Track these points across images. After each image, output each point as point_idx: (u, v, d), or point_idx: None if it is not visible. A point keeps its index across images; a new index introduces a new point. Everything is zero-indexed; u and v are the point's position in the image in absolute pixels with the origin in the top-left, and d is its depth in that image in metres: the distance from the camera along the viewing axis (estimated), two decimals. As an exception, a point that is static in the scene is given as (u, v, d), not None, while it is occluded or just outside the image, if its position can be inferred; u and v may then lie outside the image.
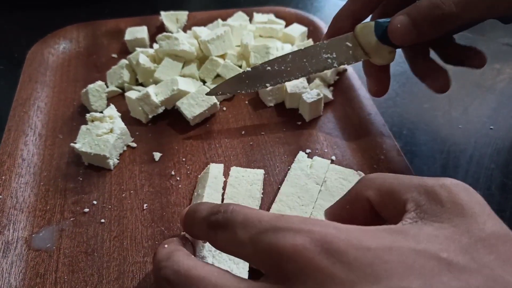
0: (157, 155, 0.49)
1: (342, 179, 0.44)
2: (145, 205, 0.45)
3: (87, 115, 0.49)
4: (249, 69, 0.47)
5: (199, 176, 0.47)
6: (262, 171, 0.46)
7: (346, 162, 0.49)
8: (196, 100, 0.51)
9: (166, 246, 0.31)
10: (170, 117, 0.54)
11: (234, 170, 0.45)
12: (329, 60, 0.45)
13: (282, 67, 0.46)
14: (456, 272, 0.22)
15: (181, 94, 0.52)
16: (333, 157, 0.49)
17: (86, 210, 0.44)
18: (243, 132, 0.52)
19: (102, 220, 0.44)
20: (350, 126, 0.53)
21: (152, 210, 0.45)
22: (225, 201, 0.43)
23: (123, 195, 0.46)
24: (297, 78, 0.47)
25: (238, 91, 0.48)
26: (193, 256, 0.31)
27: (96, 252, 0.41)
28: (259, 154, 0.50)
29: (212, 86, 0.55)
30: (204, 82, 0.57)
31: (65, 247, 0.42)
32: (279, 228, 0.26)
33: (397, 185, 0.28)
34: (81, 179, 0.47)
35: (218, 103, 0.52)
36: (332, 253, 0.23)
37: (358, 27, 0.44)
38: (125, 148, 0.50)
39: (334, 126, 0.53)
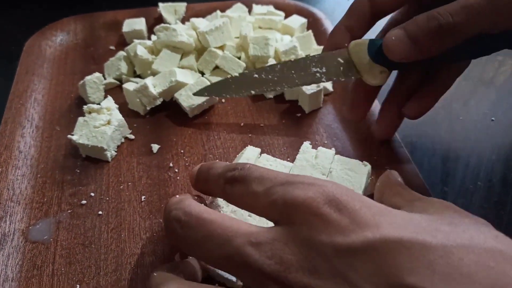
0: (155, 147, 0.49)
1: (348, 170, 0.43)
2: (143, 197, 0.44)
3: (84, 106, 0.49)
4: (236, 74, 0.47)
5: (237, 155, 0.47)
6: (291, 164, 0.44)
7: (347, 154, 0.48)
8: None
9: (177, 196, 0.33)
10: (169, 109, 0.53)
11: (264, 158, 0.45)
12: (318, 75, 0.44)
13: (270, 76, 0.45)
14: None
15: (179, 85, 0.51)
16: (333, 149, 0.49)
17: (84, 202, 0.44)
18: (242, 124, 0.52)
19: (100, 212, 0.43)
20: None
21: (150, 202, 0.44)
22: None
23: (121, 187, 0.45)
24: (283, 89, 0.47)
25: (224, 95, 0.48)
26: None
27: (94, 244, 0.41)
28: (258, 146, 0.49)
29: (211, 78, 0.55)
30: (202, 73, 0.56)
31: (62, 239, 0.41)
32: (292, 183, 0.28)
33: None
34: (78, 171, 0.47)
35: (216, 94, 0.52)
36: (335, 204, 0.26)
37: (352, 44, 0.42)
38: (123, 140, 0.50)
39: (334, 118, 0.52)
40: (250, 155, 0.44)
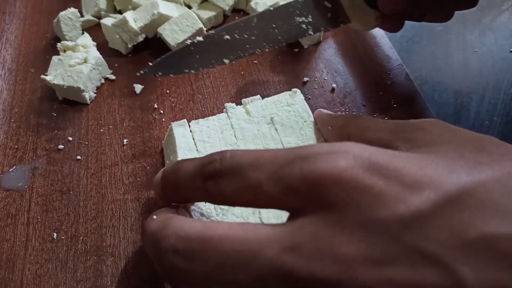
0: (138, 88, 0.45)
1: (286, 107, 0.39)
2: (125, 140, 0.41)
3: (58, 44, 0.44)
4: (200, 38, 0.35)
5: (162, 142, 0.41)
6: (224, 115, 0.39)
7: (349, 90, 0.44)
8: (179, 26, 0.46)
9: (154, 217, 0.26)
10: (152, 46, 0.48)
11: (194, 125, 0.38)
12: (304, 26, 0.37)
13: (245, 36, 0.36)
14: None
15: (162, 19, 0.46)
16: (334, 85, 0.44)
17: (61, 147, 0.40)
18: (233, 62, 0.47)
19: (78, 157, 0.40)
20: (353, 51, 0.47)
21: (133, 145, 0.40)
22: None
23: (101, 130, 0.42)
24: (263, 50, 0.38)
25: (186, 71, 0.36)
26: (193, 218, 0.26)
27: (72, 190, 0.37)
28: (251, 85, 0.45)
29: (200, 12, 0.49)
30: (189, 7, 0.51)
31: (38, 186, 0.38)
32: (306, 156, 0.22)
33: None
34: (55, 114, 0.43)
35: (204, 28, 0.47)
36: (377, 169, 0.21)
37: None
38: (102, 80, 0.45)
39: (335, 52, 0.47)
40: (182, 131, 0.37)
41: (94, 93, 0.44)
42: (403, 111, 0.41)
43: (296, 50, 0.48)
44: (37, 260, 0.34)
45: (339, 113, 0.42)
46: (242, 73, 0.46)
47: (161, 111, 0.43)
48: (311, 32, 0.37)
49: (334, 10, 0.36)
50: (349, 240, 0.20)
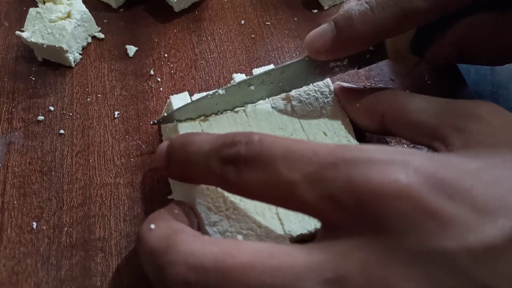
0: (131, 50, 0.38)
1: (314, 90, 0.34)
2: (116, 112, 0.35)
3: (36, -7, 0.37)
4: (222, 91, 0.31)
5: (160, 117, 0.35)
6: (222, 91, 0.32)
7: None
8: (180, -23, 0.39)
9: (152, 226, 0.22)
10: (148, 0, 0.42)
11: (198, 96, 0.32)
12: (336, 69, 0.32)
13: (271, 83, 0.32)
14: None
15: (160, -33, 0.39)
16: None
17: (41, 118, 0.35)
18: (242, 22, 0.41)
19: (62, 131, 0.34)
20: (380, 15, 0.41)
21: (125, 118, 0.35)
22: None
23: (88, 99, 0.36)
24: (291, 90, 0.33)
25: (204, 115, 0.31)
26: (202, 234, 0.22)
27: (54, 171, 0.32)
28: (262, 50, 0.39)
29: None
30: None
31: (14, 165, 0.32)
32: (354, 161, 0.18)
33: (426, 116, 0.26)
34: (33, 78, 0.37)
35: (209, -19, 0.40)
36: (442, 188, 0.17)
37: None
38: (89, 39, 0.39)
39: (360, 16, 0.41)
40: (180, 103, 0.31)
41: (79, 54, 0.38)
42: (438, 90, 0.36)
43: (315, 11, 0.41)
44: (14, 255, 0.29)
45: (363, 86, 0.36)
46: (253, 36, 0.40)
47: (158, 79, 0.37)
48: (341, 72, 0.33)
49: (375, 52, 0.32)
50: (408, 274, 0.16)
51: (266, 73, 0.31)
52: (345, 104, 0.31)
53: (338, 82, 0.33)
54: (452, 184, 0.18)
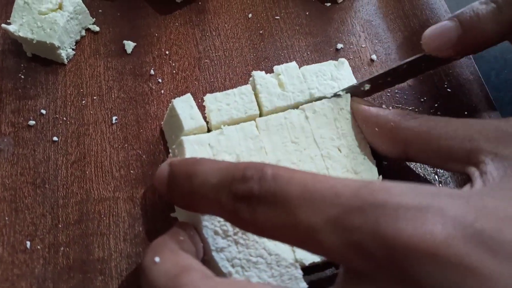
0: (129, 45, 0.35)
1: (330, 81, 0.32)
2: (114, 117, 0.32)
3: (23, -19, 0.34)
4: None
5: (162, 122, 0.33)
6: (248, 88, 0.31)
7: (391, 63, 0.36)
8: (183, -36, 0.35)
9: (157, 259, 0.21)
10: (147, -12, 0.38)
11: (210, 100, 0.30)
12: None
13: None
14: None
15: (161, -47, 0.35)
16: (374, 56, 0.36)
17: (32, 123, 0.32)
18: (250, 15, 0.37)
19: (55, 138, 0.31)
20: (398, 10, 0.38)
21: (124, 124, 0.32)
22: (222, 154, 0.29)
23: (83, 102, 0.33)
24: None
25: None
26: (213, 274, 0.21)
27: (48, 183, 0.30)
28: (272, 48, 0.36)
29: None
30: None
31: (4, 176, 0.30)
32: (383, 206, 0.17)
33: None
34: (22, 76, 0.34)
35: (215, -31, 0.36)
36: (482, 242, 0.16)
37: None
38: (83, 33, 0.36)
39: (376, 11, 0.38)
40: (188, 109, 0.29)
41: (73, 49, 0.35)
42: (459, 98, 0.34)
43: (328, 4, 0.38)
44: (7, 277, 0.27)
45: (379, 93, 0.34)
46: (261, 32, 0.37)
47: (159, 80, 0.34)
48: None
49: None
50: None
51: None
52: (363, 127, 0.29)
53: (354, 98, 0.30)
54: (494, 236, 0.16)
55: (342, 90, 0.30)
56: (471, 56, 0.35)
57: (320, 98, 0.31)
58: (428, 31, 0.29)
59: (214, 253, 0.25)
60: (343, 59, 0.32)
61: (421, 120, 0.26)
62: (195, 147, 0.28)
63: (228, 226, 0.26)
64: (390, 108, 0.29)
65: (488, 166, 0.22)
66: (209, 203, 0.22)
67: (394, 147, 0.27)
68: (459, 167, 0.24)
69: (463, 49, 0.28)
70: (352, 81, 0.32)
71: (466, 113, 0.33)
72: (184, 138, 0.28)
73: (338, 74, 0.32)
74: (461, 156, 0.24)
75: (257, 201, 0.19)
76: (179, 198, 0.24)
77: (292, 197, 0.19)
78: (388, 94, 0.34)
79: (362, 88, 0.31)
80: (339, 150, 0.29)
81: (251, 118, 0.30)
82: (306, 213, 0.18)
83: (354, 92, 0.31)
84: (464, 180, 0.30)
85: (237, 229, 0.26)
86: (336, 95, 0.30)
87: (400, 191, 0.18)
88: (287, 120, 0.30)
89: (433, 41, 0.28)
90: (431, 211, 0.17)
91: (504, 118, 0.25)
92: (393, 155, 0.28)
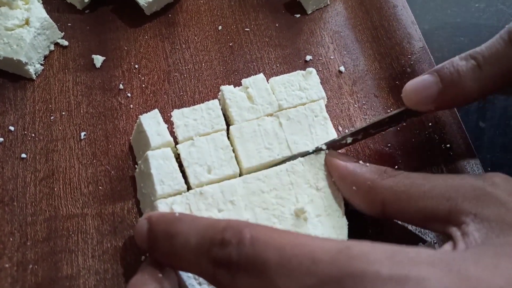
0: (98, 60, 0.35)
1: (298, 92, 0.32)
2: (82, 133, 0.33)
3: (-11, -4, 0.34)
4: None
5: (130, 138, 0.33)
6: (215, 103, 0.31)
7: (359, 74, 0.36)
8: (151, -23, 0.35)
9: None
10: (117, 1, 0.38)
11: (177, 116, 0.31)
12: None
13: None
14: None
15: (128, -33, 0.35)
16: (342, 68, 0.36)
17: (0, 139, 0.32)
18: (220, 27, 0.38)
19: (23, 155, 0.32)
20: (366, 21, 0.39)
21: (92, 140, 0.33)
22: (192, 173, 0.29)
23: (52, 118, 0.33)
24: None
25: None
26: None
27: (17, 201, 0.30)
28: (241, 61, 0.36)
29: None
30: None
31: (-28, 194, 0.30)
32: (360, 275, 0.17)
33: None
34: (-10, 92, 0.34)
35: (184, -18, 0.36)
36: None
37: None
38: (52, 47, 0.36)
39: (345, 22, 0.39)
40: (154, 126, 0.30)
41: (41, 64, 0.35)
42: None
43: (298, 16, 0.39)
44: (-25, 296, 0.27)
45: (346, 104, 0.35)
46: (231, 44, 0.37)
47: (128, 94, 0.34)
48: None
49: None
50: None
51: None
52: (340, 184, 0.28)
53: (330, 152, 0.29)
54: None
55: (325, 144, 0.30)
56: (429, 52, 0.36)
57: (303, 154, 0.30)
58: (409, 85, 0.28)
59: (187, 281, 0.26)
60: (311, 69, 0.33)
61: (399, 179, 0.26)
62: (160, 161, 0.29)
63: None
64: (368, 164, 0.27)
65: (469, 227, 0.22)
66: (190, 265, 0.22)
67: (372, 207, 0.26)
68: (439, 227, 0.24)
69: (443, 104, 0.28)
70: (319, 90, 0.32)
71: (430, 124, 0.34)
72: (149, 152, 0.29)
73: (306, 84, 0.32)
74: (441, 216, 0.23)
75: (236, 268, 0.20)
76: (160, 257, 0.24)
77: (270, 264, 0.19)
78: (356, 105, 0.35)
79: (344, 142, 0.30)
80: (303, 165, 0.30)
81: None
82: (284, 282, 0.18)
83: (336, 146, 0.30)
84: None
85: None
86: (317, 149, 0.30)
87: (379, 258, 0.17)
88: (260, 127, 0.31)
89: (414, 96, 0.28)
90: (410, 283, 0.16)
91: (479, 175, 0.25)
92: (371, 214, 0.27)
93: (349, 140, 0.30)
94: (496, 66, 0.26)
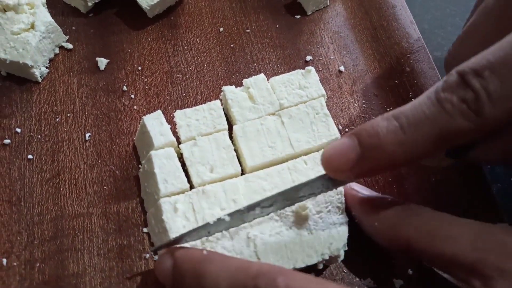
0: (102, 62, 0.36)
1: (298, 90, 0.33)
2: (87, 134, 0.33)
3: (-5, 1, 0.34)
4: (224, 217, 0.26)
5: (134, 138, 0.33)
6: (217, 103, 0.32)
7: (358, 74, 0.37)
8: (153, -19, 0.36)
9: None
10: (119, 4, 0.39)
11: (180, 116, 0.31)
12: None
13: (283, 201, 0.27)
14: None
15: (131, -30, 0.36)
16: (342, 68, 0.37)
17: (7, 141, 0.33)
18: (221, 29, 0.38)
19: (30, 156, 0.32)
20: (365, 21, 0.39)
21: (97, 141, 0.33)
22: (196, 178, 0.29)
23: (57, 119, 0.34)
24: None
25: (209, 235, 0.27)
26: None
27: (24, 201, 0.31)
28: (242, 62, 0.37)
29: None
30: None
31: (-19, 194, 0.31)
32: None
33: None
34: (-3, 95, 0.35)
35: (185, -15, 0.37)
36: None
37: None
38: (56, 50, 0.36)
39: (344, 22, 0.39)
40: (157, 127, 0.30)
41: (46, 67, 0.35)
42: (422, 108, 0.35)
43: (298, 17, 0.39)
44: (-16, 294, 0.28)
45: (346, 103, 0.35)
46: (232, 45, 0.38)
47: (132, 96, 0.35)
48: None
49: None
50: None
51: (280, 194, 0.26)
52: (361, 218, 0.27)
53: (351, 186, 0.28)
54: None
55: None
56: (434, 65, 0.36)
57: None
58: (326, 150, 0.25)
59: None
60: (310, 67, 0.33)
61: (424, 218, 0.25)
62: (163, 161, 0.29)
63: None
64: (390, 198, 0.26)
65: (494, 282, 0.21)
66: None
67: (395, 244, 0.26)
68: (463, 275, 0.23)
69: (364, 171, 0.25)
70: (319, 88, 0.33)
71: (429, 122, 0.34)
72: (152, 152, 0.30)
73: (306, 83, 0.33)
74: (465, 265, 0.23)
75: None
76: None
77: None
78: (356, 104, 0.35)
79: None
80: (305, 163, 0.30)
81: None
82: None
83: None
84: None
85: (206, 244, 0.27)
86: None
87: None
88: (263, 126, 0.31)
89: (331, 162, 0.25)
90: None
91: (507, 227, 0.24)
92: (394, 250, 0.26)
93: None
94: (420, 130, 0.23)
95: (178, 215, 0.28)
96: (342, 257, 0.28)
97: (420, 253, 0.25)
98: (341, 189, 0.29)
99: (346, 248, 0.28)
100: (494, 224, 0.24)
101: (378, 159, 0.24)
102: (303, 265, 0.27)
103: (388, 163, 0.24)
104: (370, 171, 0.24)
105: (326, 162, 0.25)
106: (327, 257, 0.27)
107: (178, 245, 0.26)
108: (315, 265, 0.27)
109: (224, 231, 0.27)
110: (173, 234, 0.27)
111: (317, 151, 0.31)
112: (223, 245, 0.27)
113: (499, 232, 0.23)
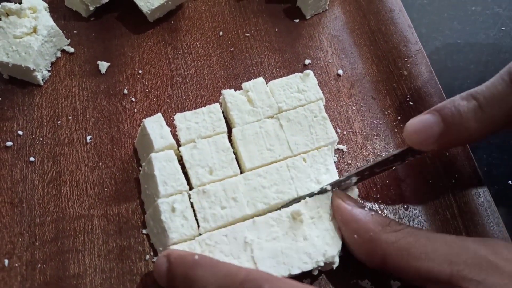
0: (103, 66, 0.36)
1: (296, 94, 0.33)
2: (88, 137, 0.34)
3: (-2, 5, 0.35)
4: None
5: (135, 141, 0.34)
6: (216, 106, 0.32)
7: (357, 77, 0.37)
8: (154, -14, 0.36)
9: None
10: (120, 8, 0.39)
11: (180, 119, 0.32)
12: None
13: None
14: None
15: (132, -25, 0.36)
16: (340, 71, 0.37)
17: (9, 143, 0.33)
18: (221, 33, 0.39)
19: (32, 158, 0.33)
20: (364, 25, 0.39)
21: (98, 143, 0.34)
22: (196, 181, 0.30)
23: (59, 122, 0.34)
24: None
25: None
26: None
27: (25, 202, 0.31)
28: (242, 65, 0.37)
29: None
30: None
31: (-17, 196, 0.31)
32: None
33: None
34: (0, 98, 0.35)
35: (185, -10, 0.38)
36: None
37: None
38: (58, 54, 0.37)
39: (343, 26, 0.40)
40: (157, 131, 0.31)
41: (48, 71, 0.36)
42: (420, 111, 0.35)
43: (297, 21, 0.40)
44: (-14, 294, 0.28)
45: (344, 106, 0.35)
46: (231, 49, 0.38)
47: (133, 99, 0.35)
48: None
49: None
50: None
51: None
52: (342, 228, 0.28)
53: (337, 192, 0.29)
54: None
55: (330, 185, 0.29)
56: (431, 69, 0.37)
57: (310, 195, 0.30)
58: (410, 125, 0.28)
59: None
60: (308, 71, 0.34)
61: (401, 235, 0.25)
62: (163, 163, 0.30)
63: None
64: (373, 212, 0.27)
65: None
66: None
67: (371, 259, 0.26)
68: None
69: (446, 144, 0.28)
70: (317, 91, 0.33)
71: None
72: (153, 155, 0.30)
73: (304, 86, 0.33)
74: (442, 279, 0.23)
75: None
76: None
77: None
78: (354, 108, 0.36)
79: (349, 181, 0.30)
80: (304, 160, 0.31)
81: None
82: None
83: (341, 186, 0.30)
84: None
85: (204, 247, 0.28)
86: (322, 190, 0.30)
87: None
88: (262, 129, 0.32)
89: (416, 136, 0.27)
90: None
91: (480, 240, 0.25)
92: (370, 265, 0.27)
93: (354, 179, 0.30)
94: (497, 107, 0.26)
95: (176, 215, 0.28)
96: (337, 263, 0.28)
97: (395, 270, 0.25)
98: (330, 194, 0.29)
99: (341, 254, 0.28)
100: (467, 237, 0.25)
101: (458, 134, 0.27)
102: (298, 271, 0.27)
103: (467, 137, 0.27)
104: (450, 144, 0.28)
105: (411, 135, 0.28)
106: (322, 264, 0.28)
107: (175, 248, 0.27)
108: (311, 270, 0.28)
109: (222, 236, 0.28)
110: (172, 234, 0.27)
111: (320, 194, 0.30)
112: (221, 249, 0.28)
113: (472, 246, 0.24)
